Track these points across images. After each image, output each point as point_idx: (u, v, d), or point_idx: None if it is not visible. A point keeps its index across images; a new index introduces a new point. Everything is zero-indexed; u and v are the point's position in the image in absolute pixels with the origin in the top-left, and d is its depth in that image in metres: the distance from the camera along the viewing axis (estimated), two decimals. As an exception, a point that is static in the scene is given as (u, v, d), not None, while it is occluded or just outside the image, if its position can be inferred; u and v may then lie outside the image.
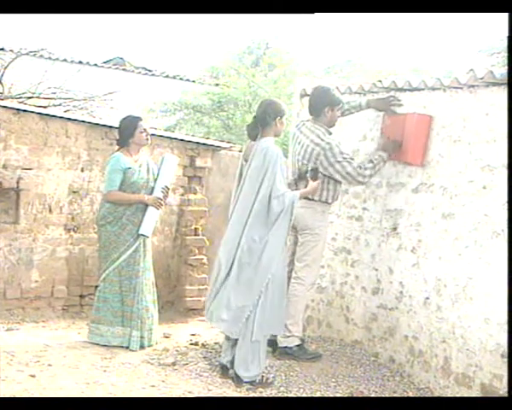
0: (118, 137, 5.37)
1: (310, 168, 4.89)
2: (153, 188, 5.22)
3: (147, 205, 5.15)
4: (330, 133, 5.12)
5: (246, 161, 4.72)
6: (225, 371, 4.63)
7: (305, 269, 5.09)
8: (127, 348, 5.06)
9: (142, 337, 5.12)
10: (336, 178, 5.04)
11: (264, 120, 4.66)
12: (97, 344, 5.10)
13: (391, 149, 5.06)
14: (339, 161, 4.96)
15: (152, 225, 5.21)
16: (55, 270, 6.41)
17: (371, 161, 5.03)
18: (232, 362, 4.59)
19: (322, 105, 5.09)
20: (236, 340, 4.56)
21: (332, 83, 5.83)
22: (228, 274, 4.58)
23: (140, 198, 5.15)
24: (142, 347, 5.10)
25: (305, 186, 4.84)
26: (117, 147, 5.38)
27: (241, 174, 4.75)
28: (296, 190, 4.86)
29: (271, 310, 4.52)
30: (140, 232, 5.12)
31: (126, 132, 5.22)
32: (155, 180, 5.26)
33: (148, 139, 5.28)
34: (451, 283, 4.62)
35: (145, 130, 5.24)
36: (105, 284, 5.14)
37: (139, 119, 5.28)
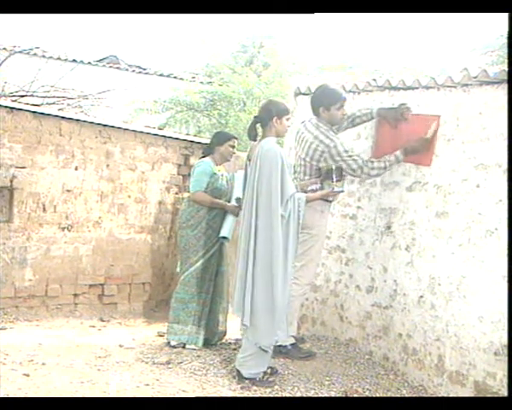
0: (207, 145, 5.65)
1: (334, 168, 4.78)
2: (230, 197, 5.44)
3: (225, 211, 5.34)
4: (334, 132, 5.08)
5: (250, 160, 4.67)
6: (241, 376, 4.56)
7: (302, 269, 5.05)
8: (195, 344, 5.24)
9: (204, 337, 5.32)
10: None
11: (263, 119, 4.64)
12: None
13: (421, 149, 4.89)
14: (344, 160, 4.93)
15: (231, 229, 5.37)
16: (49, 269, 6.40)
17: (383, 162, 4.95)
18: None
19: (316, 105, 5.10)
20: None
21: (325, 81, 5.81)
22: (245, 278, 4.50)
23: (222, 204, 5.36)
24: (204, 345, 5.27)
25: (330, 186, 4.77)
26: (202, 155, 5.62)
27: (246, 174, 4.72)
28: (321, 189, 4.83)
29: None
30: (221, 235, 5.30)
31: (216, 141, 5.51)
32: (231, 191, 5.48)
33: (231, 156, 5.56)
34: (445, 281, 4.63)
35: (233, 147, 5.51)
36: (181, 285, 5.33)
37: (234, 136, 5.63)
